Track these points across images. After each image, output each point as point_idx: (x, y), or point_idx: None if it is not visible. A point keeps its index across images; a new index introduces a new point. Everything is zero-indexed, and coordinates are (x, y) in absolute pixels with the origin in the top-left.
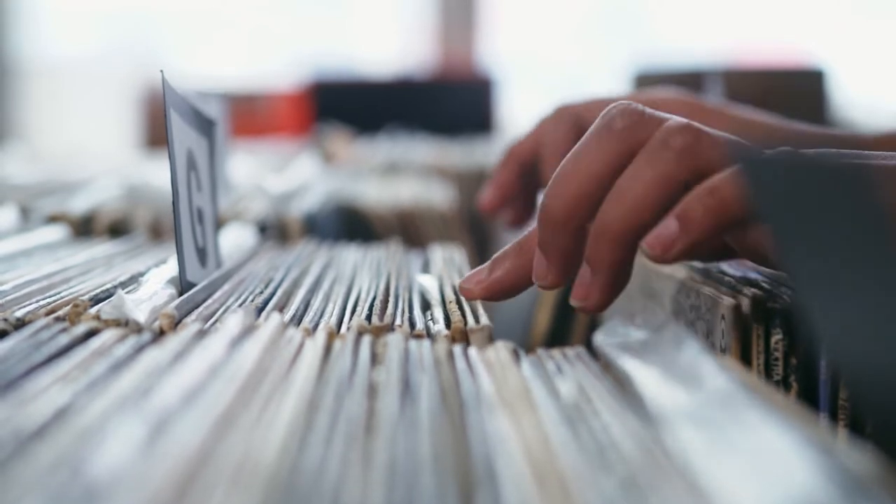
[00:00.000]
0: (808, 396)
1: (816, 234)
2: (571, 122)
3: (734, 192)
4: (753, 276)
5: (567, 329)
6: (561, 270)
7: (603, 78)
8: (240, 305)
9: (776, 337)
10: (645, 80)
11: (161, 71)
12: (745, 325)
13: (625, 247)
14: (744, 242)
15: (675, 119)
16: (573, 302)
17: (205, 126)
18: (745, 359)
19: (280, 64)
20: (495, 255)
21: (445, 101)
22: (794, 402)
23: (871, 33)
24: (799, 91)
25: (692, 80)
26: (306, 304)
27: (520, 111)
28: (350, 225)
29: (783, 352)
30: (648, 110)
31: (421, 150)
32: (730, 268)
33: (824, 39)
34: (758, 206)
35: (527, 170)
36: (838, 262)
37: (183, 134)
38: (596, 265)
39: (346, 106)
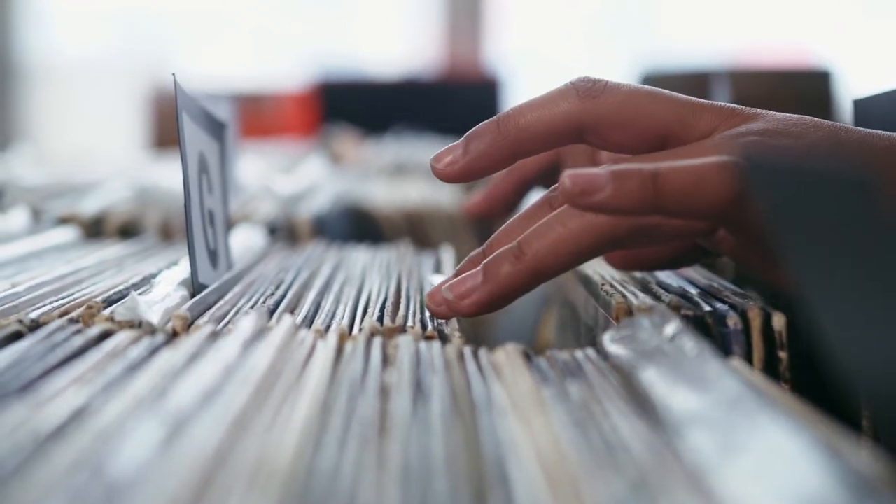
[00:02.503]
0: None
1: (822, 239)
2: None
3: (677, 186)
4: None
5: None
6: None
7: (610, 78)
8: (251, 307)
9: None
10: (651, 81)
11: (173, 74)
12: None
13: (537, 282)
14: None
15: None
16: (444, 291)
17: (216, 129)
18: None
19: (286, 64)
20: (469, 133)
21: (452, 102)
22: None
23: (878, 34)
24: (806, 92)
25: (699, 81)
26: (317, 306)
27: None
28: (358, 226)
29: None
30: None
31: (428, 150)
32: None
33: (831, 40)
34: (764, 211)
35: (528, 186)
36: (844, 266)
37: (195, 137)
38: (494, 279)
39: (353, 106)
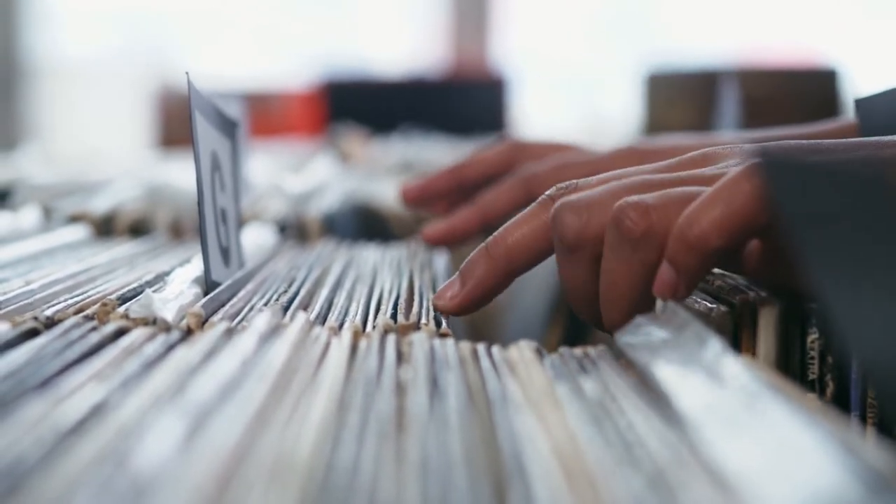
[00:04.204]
0: (842, 395)
1: (838, 235)
2: (521, 184)
3: (711, 224)
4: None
5: (585, 330)
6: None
7: (615, 78)
8: (265, 304)
9: (812, 336)
10: (657, 81)
11: (187, 73)
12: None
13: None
14: (736, 264)
15: (620, 204)
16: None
17: (228, 127)
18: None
19: (292, 64)
20: (462, 267)
21: (458, 101)
22: (826, 401)
23: (884, 33)
24: (812, 91)
25: (704, 81)
26: (329, 304)
27: (532, 110)
28: (367, 225)
29: (819, 351)
30: (584, 193)
31: (435, 150)
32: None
33: (837, 39)
34: (778, 208)
35: (468, 186)
36: (861, 263)
37: (207, 136)
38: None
39: (359, 106)
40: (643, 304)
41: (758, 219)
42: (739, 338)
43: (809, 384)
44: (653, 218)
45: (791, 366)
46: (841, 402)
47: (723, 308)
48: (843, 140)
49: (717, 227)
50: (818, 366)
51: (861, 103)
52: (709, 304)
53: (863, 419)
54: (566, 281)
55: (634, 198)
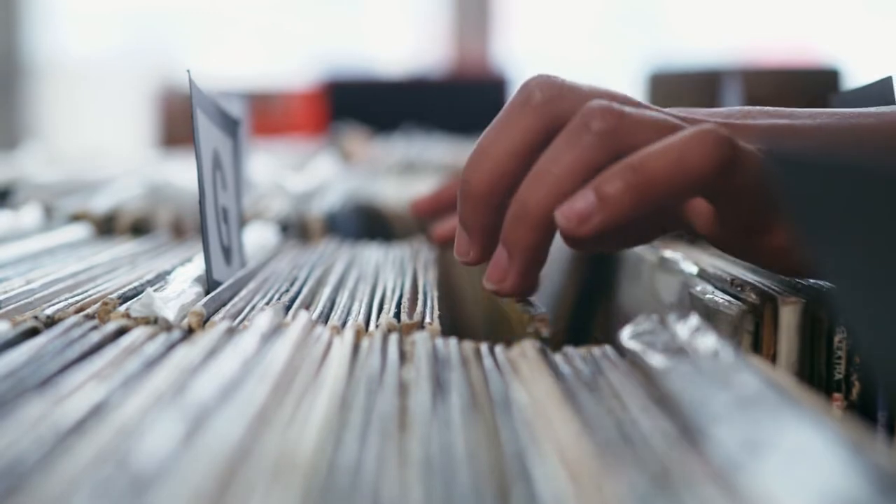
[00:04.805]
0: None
1: (849, 232)
2: None
3: (660, 171)
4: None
5: (588, 329)
6: (482, 246)
7: (618, 76)
8: (266, 304)
9: (840, 336)
10: (660, 80)
11: (188, 71)
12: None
13: (542, 230)
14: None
15: (597, 100)
16: (487, 284)
17: (229, 126)
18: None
19: (295, 63)
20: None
21: (460, 101)
22: (852, 401)
23: (886, 32)
24: (814, 90)
25: (707, 80)
26: (332, 303)
27: None
28: (369, 224)
29: (846, 351)
30: (569, 82)
31: (437, 149)
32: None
33: (840, 38)
34: (789, 203)
35: None
36: (873, 260)
37: (209, 134)
38: (512, 247)
39: (361, 105)
40: (563, 195)
41: (705, 178)
42: (760, 336)
43: (836, 384)
44: (623, 123)
45: (816, 365)
46: (867, 402)
47: (743, 306)
48: (805, 109)
49: (667, 176)
50: (845, 365)
51: (838, 98)
52: (729, 302)
53: (891, 419)
54: (497, 136)
55: (615, 103)
